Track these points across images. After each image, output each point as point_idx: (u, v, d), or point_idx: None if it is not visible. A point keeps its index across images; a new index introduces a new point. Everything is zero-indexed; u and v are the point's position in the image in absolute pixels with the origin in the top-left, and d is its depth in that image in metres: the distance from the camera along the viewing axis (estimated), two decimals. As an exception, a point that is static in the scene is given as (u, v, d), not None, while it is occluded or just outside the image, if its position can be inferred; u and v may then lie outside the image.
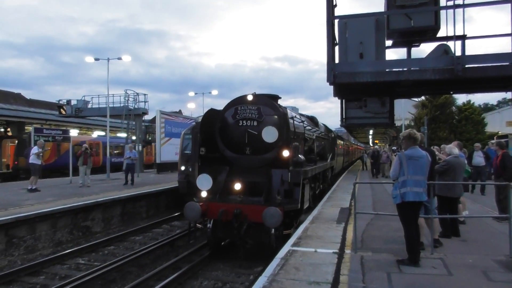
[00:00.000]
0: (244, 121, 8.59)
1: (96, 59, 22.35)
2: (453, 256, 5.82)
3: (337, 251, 6.18)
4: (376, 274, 5.08)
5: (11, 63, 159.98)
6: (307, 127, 10.86)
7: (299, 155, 8.49)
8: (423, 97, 27.13)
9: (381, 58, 5.75)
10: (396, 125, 28.15)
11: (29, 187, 14.20)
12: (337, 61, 5.89)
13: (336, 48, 5.99)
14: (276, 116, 8.47)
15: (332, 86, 6.06)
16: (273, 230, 7.33)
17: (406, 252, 5.51)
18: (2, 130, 29.16)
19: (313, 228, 7.92)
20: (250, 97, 8.59)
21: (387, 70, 5.65)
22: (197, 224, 8.48)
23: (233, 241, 8.73)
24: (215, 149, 8.97)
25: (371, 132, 37.93)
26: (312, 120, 13.96)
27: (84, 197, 12.46)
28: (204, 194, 8.32)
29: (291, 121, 8.55)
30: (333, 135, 18.31)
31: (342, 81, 5.63)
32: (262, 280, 4.89)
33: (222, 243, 9.00)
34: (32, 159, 14.34)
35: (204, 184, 8.26)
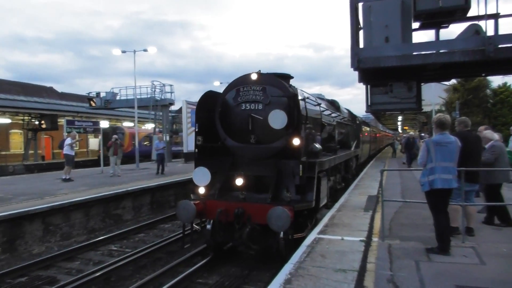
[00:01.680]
0: (247, 104, 7.39)
1: (123, 52, 22.78)
2: (486, 245, 5.65)
3: (364, 239, 6.12)
4: (404, 262, 5.00)
5: (42, 58, 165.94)
6: (325, 112, 9.51)
7: (315, 144, 7.64)
8: (454, 81, 26.19)
9: (408, 41, 5.57)
10: (426, 110, 27.39)
11: (63, 177, 14.75)
12: (361, 46, 5.75)
13: (361, 32, 5.85)
14: (285, 98, 7.22)
15: (357, 72, 5.93)
16: (281, 233, 6.39)
17: (436, 241, 5.40)
18: (37, 123, 30.23)
19: (340, 216, 7.87)
20: (254, 76, 7.38)
21: (414, 53, 5.47)
22: (194, 225, 7.42)
23: (235, 246, 7.72)
24: (215, 137, 7.83)
25: (399, 118, 37.07)
26: (333, 104, 12.34)
27: (114, 186, 12.83)
28: (202, 190, 7.38)
29: (302, 103, 7.24)
30: (358, 121, 16.92)
31: (366, 66, 5.50)
32: (288, 267, 4.91)
33: (224, 248, 7.96)
34: (66, 150, 14.88)
35: (201, 179, 7.28)
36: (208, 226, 7.14)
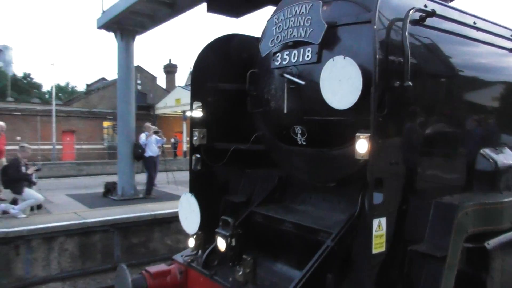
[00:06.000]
0: (285, 53, 3.09)
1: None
2: None
3: None
4: None
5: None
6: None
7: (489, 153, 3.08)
8: None
9: None
10: None
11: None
12: None
13: None
14: (365, 28, 2.54)
15: None
16: None
17: None
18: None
19: None
20: None
21: None
22: None
23: None
24: (238, 131, 3.77)
25: None
26: None
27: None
28: (191, 242, 3.58)
29: (400, 35, 2.43)
30: None
31: None
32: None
33: None
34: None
35: (189, 220, 3.51)
36: None
